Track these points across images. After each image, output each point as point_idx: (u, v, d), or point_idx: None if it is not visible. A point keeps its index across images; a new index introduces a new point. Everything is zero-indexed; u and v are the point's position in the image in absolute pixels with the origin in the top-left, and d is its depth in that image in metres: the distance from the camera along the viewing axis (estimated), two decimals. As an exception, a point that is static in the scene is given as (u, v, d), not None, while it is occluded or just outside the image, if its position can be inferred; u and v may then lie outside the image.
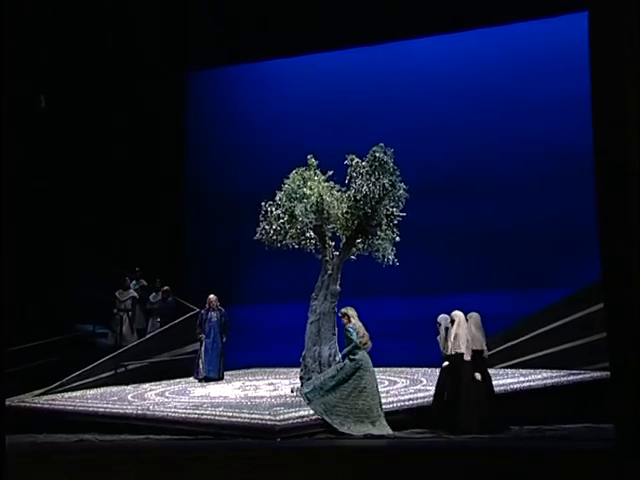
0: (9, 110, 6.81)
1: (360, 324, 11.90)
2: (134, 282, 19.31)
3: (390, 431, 11.18)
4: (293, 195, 13.87)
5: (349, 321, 11.86)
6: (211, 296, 17.14)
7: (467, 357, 11.25)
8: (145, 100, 21.00)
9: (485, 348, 11.49)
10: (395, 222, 14.17)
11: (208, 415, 12.14)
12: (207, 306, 17.12)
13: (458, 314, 11.55)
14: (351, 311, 12.03)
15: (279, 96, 21.25)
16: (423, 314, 11.64)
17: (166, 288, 18.63)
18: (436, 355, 11.91)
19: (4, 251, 6.80)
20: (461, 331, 11.32)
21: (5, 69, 7.05)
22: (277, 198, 14.08)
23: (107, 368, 16.61)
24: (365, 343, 11.71)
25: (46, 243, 18.97)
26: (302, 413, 11.58)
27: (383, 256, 14.03)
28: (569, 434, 10.80)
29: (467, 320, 11.57)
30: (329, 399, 11.42)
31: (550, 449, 9.79)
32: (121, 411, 13.16)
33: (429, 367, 15.47)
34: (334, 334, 14.17)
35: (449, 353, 11.37)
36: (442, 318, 11.74)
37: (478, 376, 11.24)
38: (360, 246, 14.31)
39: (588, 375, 13.29)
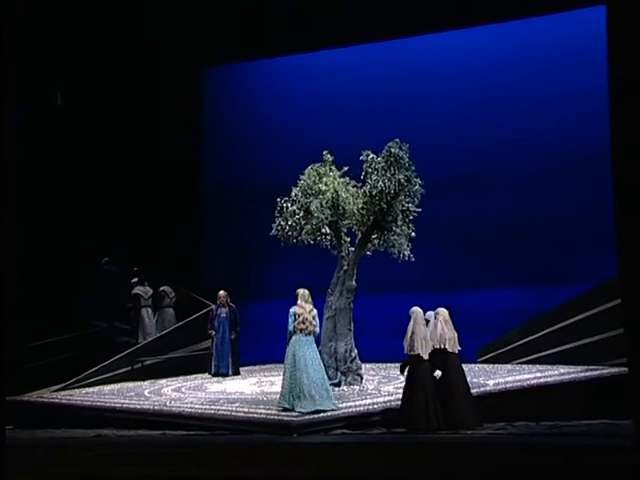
0: (26, 107, 6.83)
1: (307, 306, 12.06)
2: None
3: (336, 406, 11.52)
4: (309, 191, 13.87)
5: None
6: (221, 292, 17.17)
7: (425, 356, 11.11)
8: (161, 97, 20.98)
9: (447, 345, 11.22)
10: (411, 217, 14.14)
11: (224, 411, 12.14)
12: (217, 302, 17.15)
13: (414, 310, 11.39)
14: (301, 292, 12.21)
15: (294, 92, 21.19)
16: (450, 307, 11.55)
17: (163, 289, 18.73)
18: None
19: (4, 250, 6.77)
20: (417, 329, 11.18)
21: (5, 69, 7.02)
22: (293, 194, 14.08)
23: (124, 364, 16.64)
24: (302, 329, 11.96)
25: (63, 238, 19.01)
26: (319, 409, 11.59)
27: (399, 252, 14.00)
28: (587, 430, 10.72)
29: (435, 316, 11.40)
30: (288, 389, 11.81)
31: (567, 445, 9.72)
32: (138, 407, 13.18)
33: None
34: (350, 330, 14.16)
35: (405, 352, 11.24)
36: (428, 315, 11.62)
37: (438, 374, 11.10)
38: (376, 242, 14.29)
39: (606, 371, 13.24)
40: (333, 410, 11.61)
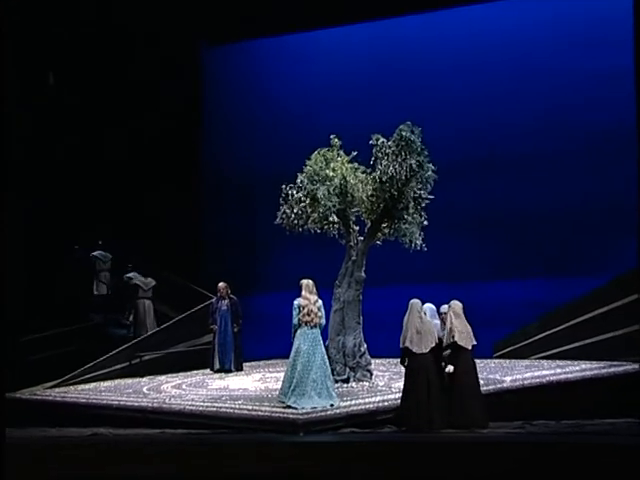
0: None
1: (312, 298, 12.05)
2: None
3: (336, 403, 11.58)
4: (315, 177, 13.84)
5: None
6: (221, 284, 17.14)
7: (417, 349, 11.05)
8: (160, 79, 20.93)
9: (458, 339, 11.14)
10: (423, 205, 14.10)
11: (227, 408, 12.12)
12: (217, 294, 17.14)
13: (411, 302, 11.33)
14: (305, 283, 12.20)
15: (300, 73, 21.12)
16: (463, 300, 11.51)
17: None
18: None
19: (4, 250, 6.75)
20: (410, 322, 11.12)
21: (6, 69, 6.97)
22: (298, 180, 14.04)
23: (121, 359, 16.63)
24: (307, 322, 11.95)
25: (53, 226, 19.04)
26: (315, 406, 11.64)
27: (410, 241, 13.96)
28: (610, 429, 10.71)
29: (448, 309, 11.35)
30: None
31: (590, 445, 9.68)
32: (136, 404, 13.15)
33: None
34: (359, 323, 14.15)
35: (400, 346, 11.22)
36: (443, 308, 11.59)
37: (450, 369, 11.06)
38: (386, 231, 14.26)
39: (631, 367, 13.17)
40: (333, 407, 11.62)
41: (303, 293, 12.13)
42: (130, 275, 18.99)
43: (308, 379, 11.77)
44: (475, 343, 11.27)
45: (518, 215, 18.31)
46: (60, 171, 19.61)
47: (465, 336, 11.18)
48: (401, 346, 11.16)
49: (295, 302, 12.11)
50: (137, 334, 18.01)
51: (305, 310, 12.01)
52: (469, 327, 11.29)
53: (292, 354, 12.04)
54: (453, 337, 11.12)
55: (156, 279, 18.63)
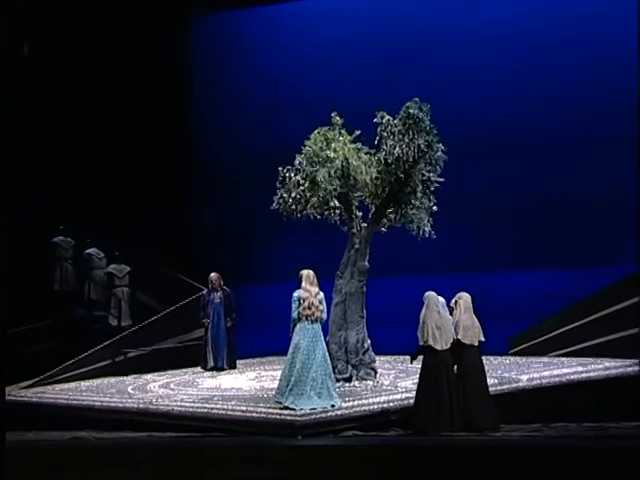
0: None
1: (313, 290, 12.01)
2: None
3: (337, 404, 11.58)
4: (315, 159, 13.80)
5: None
6: (212, 275, 17.15)
7: (439, 346, 11.05)
8: (144, 52, 20.90)
9: (461, 335, 11.09)
10: (432, 188, 14.09)
11: (219, 409, 12.11)
12: (209, 286, 17.14)
13: (427, 295, 11.27)
14: (305, 274, 12.17)
15: (298, 44, 21.06)
16: (471, 292, 11.49)
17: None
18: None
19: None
20: (429, 317, 11.10)
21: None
22: (296, 162, 14.01)
23: (104, 356, 16.66)
24: (308, 316, 11.92)
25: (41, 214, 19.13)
26: (315, 407, 11.62)
27: (418, 227, 13.96)
28: (636, 432, 10.70)
29: (455, 302, 11.32)
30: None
31: (614, 449, 9.67)
32: (120, 405, 13.17)
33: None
34: (362, 317, 14.15)
35: (419, 343, 11.20)
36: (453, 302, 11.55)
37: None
38: (392, 216, 14.26)
39: (658, 365, 13.20)
40: (334, 408, 11.62)
41: (303, 284, 12.10)
42: (89, 251, 19.03)
43: (307, 378, 11.76)
44: (483, 339, 11.23)
45: (534, 200, 18.27)
46: (39, 153, 19.62)
47: (471, 333, 11.14)
48: (421, 343, 11.08)
49: (295, 294, 12.08)
50: (121, 326, 18.05)
51: (306, 303, 11.98)
52: (477, 322, 11.27)
53: (290, 350, 12.01)
54: (457, 334, 11.10)
55: (141, 269, 18.61)
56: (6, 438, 11.90)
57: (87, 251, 19.58)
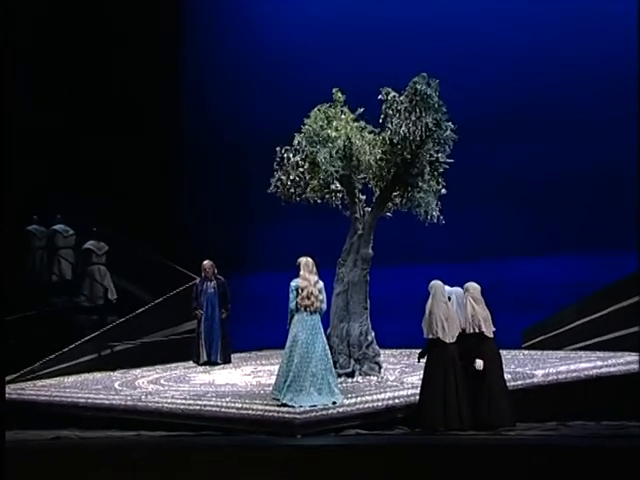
0: None
1: (312, 278, 11.99)
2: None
3: (339, 401, 11.61)
4: (315, 138, 13.81)
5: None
6: (205, 262, 17.14)
7: (447, 339, 11.03)
8: (134, 25, 20.88)
9: (484, 327, 11.09)
10: (440, 170, 14.09)
11: (212, 407, 12.14)
12: (202, 275, 17.14)
13: (433, 285, 11.24)
14: (304, 261, 12.15)
15: (297, 19, 21.03)
16: (480, 282, 11.47)
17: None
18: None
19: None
20: (437, 307, 11.06)
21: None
22: (295, 142, 14.02)
23: (89, 350, 16.67)
24: (307, 306, 11.91)
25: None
26: (315, 404, 11.64)
27: (426, 212, 13.97)
28: (659, 432, 10.69)
29: (465, 293, 11.29)
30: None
31: (636, 449, 9.66)
32: (106, 402, 13.17)
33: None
34: (366, 308, 14.16)
35: (424, 335, 11.17)
36: (450, 291, 11.48)
37: (480, 364, 10.99)
38: (397, 200, 14.27)
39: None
40: (335, 405, 11.61)
41: (302, 273, 12.08)
42: (56, 228, 18.98)
43: (307, 373, 11.75)
44: (494, 329, 11.24)
45: (550, 182, 18.28)
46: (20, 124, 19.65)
47: (489, 324, 11.16)
48: (428, 336, 11.07)
49: (292, 283, 12.05)
50: (99, 305, 18.05)
51: (304, 293, 11.96)
52: (489, 313, 11.26)
53: (288, 344, 12.00)
54: (479, 326, 11.07)
55: (127, 255, 18.59)
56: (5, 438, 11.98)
57: (53, 227, 19.39)
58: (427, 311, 11.15)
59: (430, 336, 11.07)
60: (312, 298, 11.96)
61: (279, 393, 11.86)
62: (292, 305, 12.00)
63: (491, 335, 11.17)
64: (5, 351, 16.40)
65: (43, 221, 19.70)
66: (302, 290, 11.97)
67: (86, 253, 18.91)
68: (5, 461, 8.24)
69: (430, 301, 11.18)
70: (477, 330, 11.10)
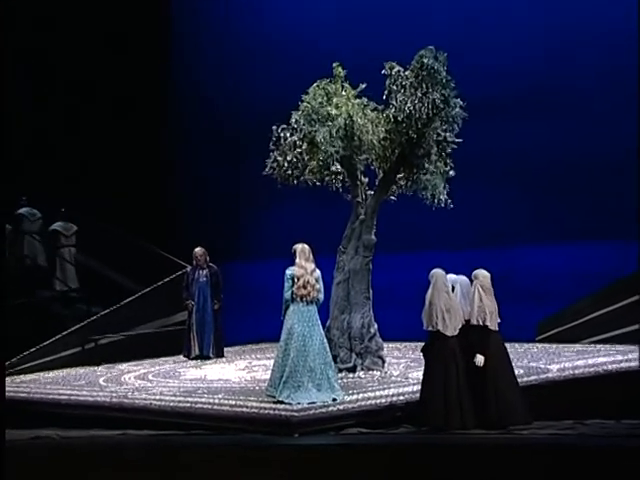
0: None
1: (308, 266, 11.98)
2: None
3: (339, 398, 11.63)
4: (314, 116, 13.78)
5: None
6: (197, 249, 17.14)
7: (449, 332, 11.00)
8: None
9: (489, 321, 11.03)
10: (448, 150, 14.08)
11: (204, 404, 12.15)
12: (193, 263, 17.15)
13: (434, 274, 11.17)
14: (300, 248, 12.14)
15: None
16: (490, 270, 11.44)
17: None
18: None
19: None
20: (437, 298, 11.01)
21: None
22: (293, 120, 13.99)
23: (72, 343, 16.67)
24: (303, 296, 11.89)
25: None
26: (314, 401, 11.65)
27: (432, 196, 13.97)
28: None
29: (472, 282, 11.26)
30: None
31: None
32: (90, 399, 13.16)
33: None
34: (368, 298, 14.15)
35: (424, 327, 11.14)
36: (453, 280, 11.45)
37: (480, 360, 10.97)
38: (402, 183, 14.27)
39: None
40: (336, 402, 11.61)
41: (298, 260, 12.06)
42: (22, 211, 18.94)
43: (304, 368, 11.74)
44: (499, 321, 11.21)
45: (566, 163, 18.21)
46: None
47: (495, 317, 11.12)
48: (429, 329, 11.05)
49: (288, 271, 12.03)
50: (67, 290, 18.06)
51: (300, 282, 11.93)
52: (496, 304, 11.23)
53: (283, 337, 11.98)
54: (484, 319, 11.04)
55: (111, 242, 18.59)
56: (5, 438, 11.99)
57: (19, 211, 19.30)
58: (427, 302, 11.10)
59: (430, 328, 11.04)
60: (309, 287, 11.93)
61: (275, 390, 11.84)
62: (287, 295, 11.97)
63: (496, 328, 11.13)
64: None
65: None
66: (298, 279, 11.94)
67: (54, 235, 18.82)
68: (5, 461, 8.35)
69: (430, 291, 11.13)
70: (482, 323, 11.07)
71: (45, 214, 19.41)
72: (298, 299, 11.94)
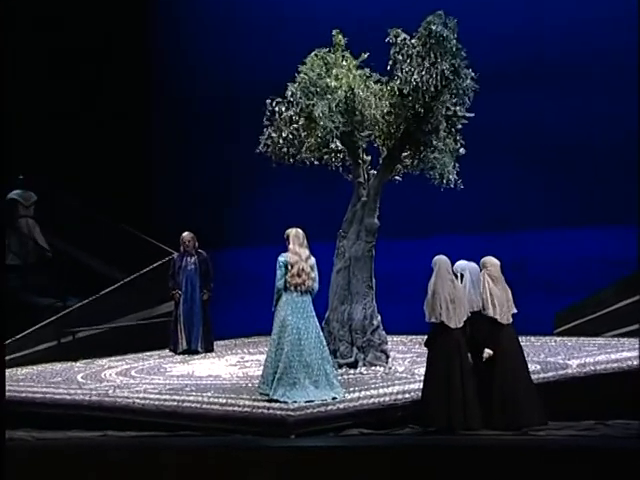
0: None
1: (303, 253, 11.99)
2: None
3: (340, 395, 11.67)
4: (312, 89, 13.77)
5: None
6: (185, 234, 17.13)
7: (454, 324, 10.99)
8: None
9: (497, 313, 11.05)
10: (458, 126, 14.10)
11: (192, 402, 12.14)
12: (181, 249, 17.14)
13: (437, 260, 11.19)
14: (293, 233, 12.15)
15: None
16: (501, 258, 11.43)
17: None
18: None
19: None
20: (441, 287, 10.99)
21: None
22: (289, 93, 13.97)
23: (47, 337, 16.67)
24: (298, 285, 11.91)
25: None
26: (312, 399, 11.67)
27: (441, 175, 13.96)
28: None
29: (481, 270, 11.27)
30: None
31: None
32: (67, 397, 13.15)
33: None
34: (371, 287, 14.16)
35: (426, 319, 11.15)
36: (458, 266, 11.46)
37: (488, 353, 10.99)
38: (408, 162, 14.27)
39: None
40: (336, 400, 11.62)
41: (291, 246, 12.05)
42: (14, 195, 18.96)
43: (300, 363, 11.74)
44: (516, 311, 11.20)
45: (587, 140, 18.16)
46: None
47: (506, 308, 11.11)
48: (432, 320, 11.02)
49: (281, 258, 12.02)
50: (25, 260, 18.06)
51: (295, 269, 11.92)
52: (509, 292, 11.24)
53: (276, 329, 11.97)
54: (492, 312, 11.04)
55: (91, 226, 18.60)
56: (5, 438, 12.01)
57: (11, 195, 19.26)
58: (430, 291, 11.08)
59: (433, 320, 11.02)
60: (303, 275, 11.92)
61: (268, 387, 11.83)
62: (280, 283, 11.95)
63: (507, 320, 11.13)
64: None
65: None
66: (292, 266, 11.93)
67: (11, 204, 18.76)
68: (5, 461, 8.50)
69: (433, 279, 11.10)
70: (490, 315, 11.07)
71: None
72: (292, 288, 11.93)
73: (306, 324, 11.90)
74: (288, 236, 12.12)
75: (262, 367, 12.53)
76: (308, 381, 11.71)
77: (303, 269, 11.93)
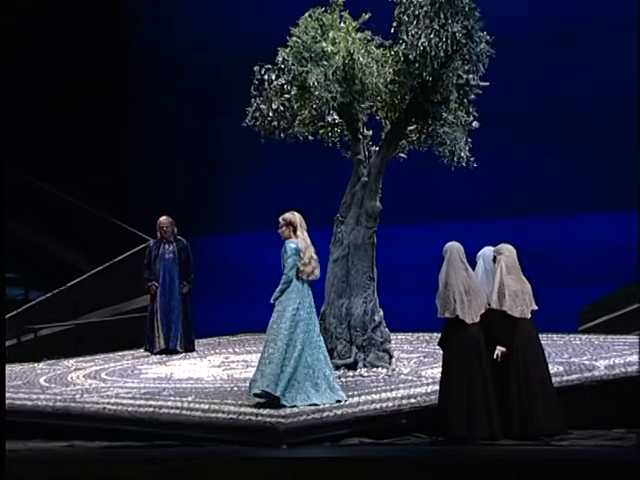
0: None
1: (307, 239, 12.04)
2: None
3: (342, 399, 11.74)
4: (305, 54, 13.73)
5: (292, 234, 12.05)
6: (162, 219, 17.11)
7: (470, 319, 10.98)
8: None
9: (508, 305, 11.11)
10: (472, 97, 14.09)
11: (170, 408, 12.13)
12: (158, 235, 17.13)
13: (449, 248, 11.21)
14: (299, 217, 12.18)
15: None
16: (518, 246, 11.44)
17: None
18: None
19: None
20: (453, 277, 11.00)
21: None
22: (279, 59, 13.98)
23: (6, 335, 16.61)
24: (308, 274, 11.99)
25: None
26: (314, 402, 11.69)
27: (451, 152, 13.90)
28: None
29: (495, 258, 11.29)
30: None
31: None
32: (29, 403, 13.17)
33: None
34: (372, 278, 14.16)
35: (439, 314, 11.15)
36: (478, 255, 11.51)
37: (501, 350, 11.02)
38: (414, 137, 14.30)
39: None
40: (338, 404, 11.63)
41: (298, 233, 12.05)
42: None
43: (301, 363, 11.75)
44: (536, 308, 11.20)
45: (616, 113, 18.15)
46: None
47: (521, 301, 11.11)
48: (446, 315, 11.05)
49: (291, 245, 11.97)
50: None
51: (306, 257, 11.96)
52: (527, 285, 11.23)
53: (287, 324, 11.86)
54: (503, 305, 11.03)
55: (56, 208, 18.61)
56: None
57: None
58: (442, 282, 11.09)
59: (447, 315, 11.02)
60: (313, 263, 12.00)
61: (275, 388, 11.71)
62: (292, 273, 11.93)
63: (522, 315, 11.11)
64: None
65: None
66: (303, 253, 11.98)
67: None
68: (5, 467, 8.78)
69: (445, 269, 11.10)
70: (501, 308, 11.07)
71: None
72: (304, 277, 11.96)
73: (314, 320, 11.99)
74: (294, 221, 12.11)
75: (250, 368, 12.54)
76: (308, 384, 11.72)
77: (312, 256, 12.00)
